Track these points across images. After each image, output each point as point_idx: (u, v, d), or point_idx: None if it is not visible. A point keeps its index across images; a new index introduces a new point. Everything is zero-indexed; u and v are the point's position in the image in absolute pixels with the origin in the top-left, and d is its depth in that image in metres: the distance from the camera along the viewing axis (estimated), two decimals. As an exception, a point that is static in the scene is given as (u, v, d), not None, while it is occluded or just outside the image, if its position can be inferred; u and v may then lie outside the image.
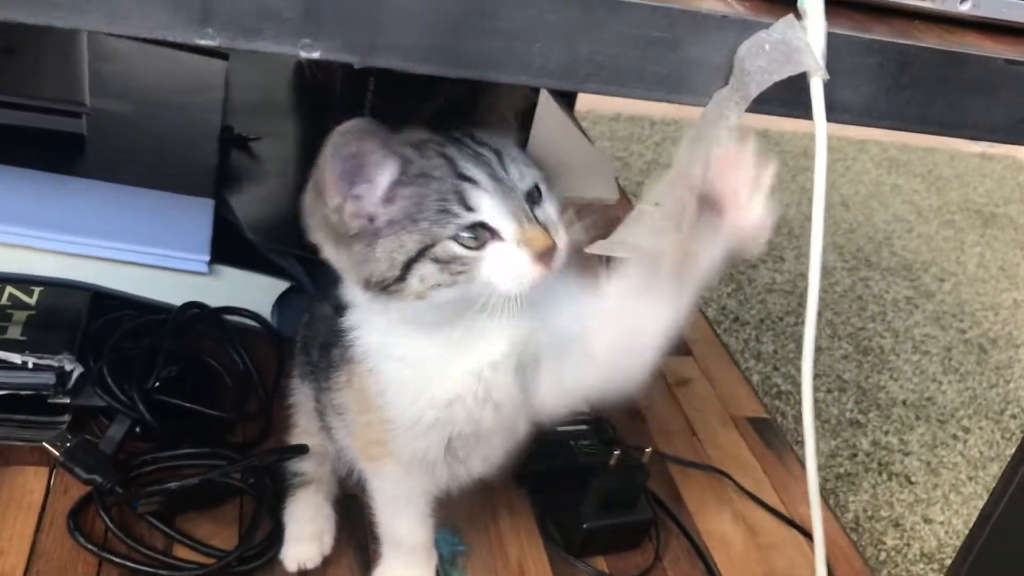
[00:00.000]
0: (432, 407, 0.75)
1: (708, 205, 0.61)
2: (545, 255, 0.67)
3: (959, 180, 2.69)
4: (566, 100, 1.97)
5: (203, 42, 0.50)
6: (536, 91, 1.27)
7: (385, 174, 0.67)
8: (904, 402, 1.71)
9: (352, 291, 0.75)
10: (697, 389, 1.26)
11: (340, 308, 0.79)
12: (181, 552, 0.88)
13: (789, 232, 2.21)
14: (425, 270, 0.67)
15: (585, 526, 0.95)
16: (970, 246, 2.33)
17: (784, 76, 0.54)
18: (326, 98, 1.36)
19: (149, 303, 1.04)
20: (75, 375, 0.94)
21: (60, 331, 0.96)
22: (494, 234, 0.67)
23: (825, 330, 1.86)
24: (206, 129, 1.23)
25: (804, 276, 2.04)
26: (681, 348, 1.33)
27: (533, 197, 0.70)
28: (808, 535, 1.06)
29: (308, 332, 0.94)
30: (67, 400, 0.94)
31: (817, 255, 0.61)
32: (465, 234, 0.66)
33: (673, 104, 0.58)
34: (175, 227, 1.05)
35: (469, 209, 0.66)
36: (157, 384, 0.97)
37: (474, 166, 0.68)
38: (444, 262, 0.66)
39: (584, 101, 2.47)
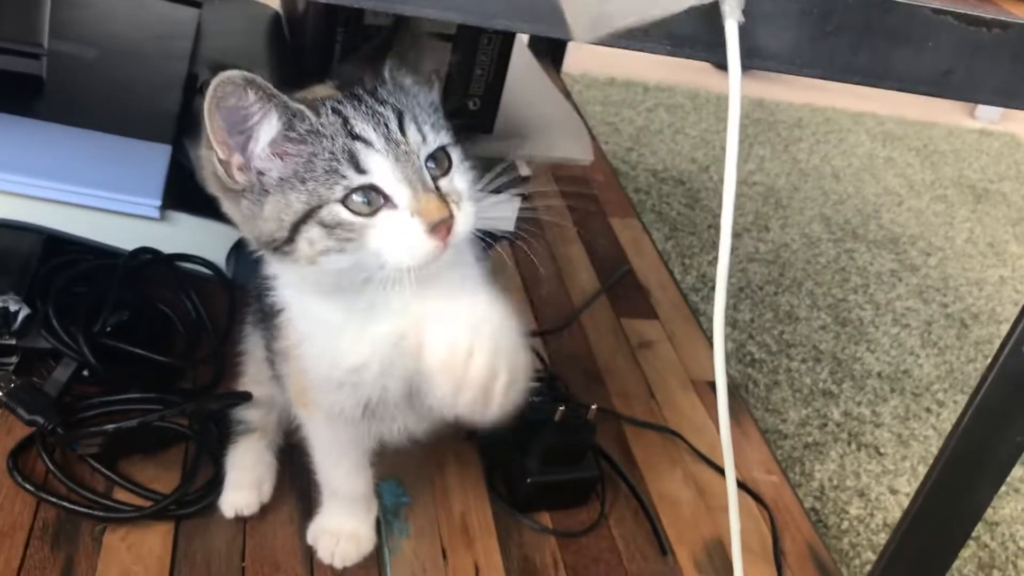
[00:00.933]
0: (337, 368, 0.73)
1: None
2: (440, 227, 0.64)
3: (955, 155, 2.66)
4: (552, 59, 1.95)
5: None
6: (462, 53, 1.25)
7: (268, 128, 0.63)
8: (879, 374, 1.70)
9: (280, 272, 0.74)
10: (659, 351, 1.25)
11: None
12: (122, 495, 0.88)
13: (776, 202, 2.19)
14: (312, 233, 0.64)
15: (529, 480, 0.95)
16: (960, 221, 2.31)
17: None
18: (298, 49, 1.35)
19: (102, 247, 1.04)
20: (21, 316, 0.94)
21: (8, 272, 0.96)
22: (387, 200, 0.64)
23: (805, 300, 1.85)
24: (171, 76, 1.22)
25: (787, 246, 2.04)
26: (647, 311, 1.33)
27: (441, 163, 0.67)
28: (759, 500, 1.06)
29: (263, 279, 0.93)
30: (13, 341, 0.94)
31: (730, 205, 0.59)
32: (357, 197, 0.63)
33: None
34: (129, 172, 1.04)
35: (360, 171, 0.63)
36: (108, 329, 0.97)
37: (369, 125, 0.64)
38: (331, 226, 0.64)
39: (577, 64, 2.45)
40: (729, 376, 1.28)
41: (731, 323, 1.73)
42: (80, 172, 1.02)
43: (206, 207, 1.06)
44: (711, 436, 1.13)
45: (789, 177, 2.32)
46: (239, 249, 1.09)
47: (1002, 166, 2.66)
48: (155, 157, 1.07)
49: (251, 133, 0.64)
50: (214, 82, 0.60)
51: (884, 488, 1.45)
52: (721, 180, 2.22)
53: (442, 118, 0.69)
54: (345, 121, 0.64)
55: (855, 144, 2.59)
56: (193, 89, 1.24)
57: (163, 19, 1.35)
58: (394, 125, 0.65)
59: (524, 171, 1.40)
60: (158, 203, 1.02)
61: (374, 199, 0.64)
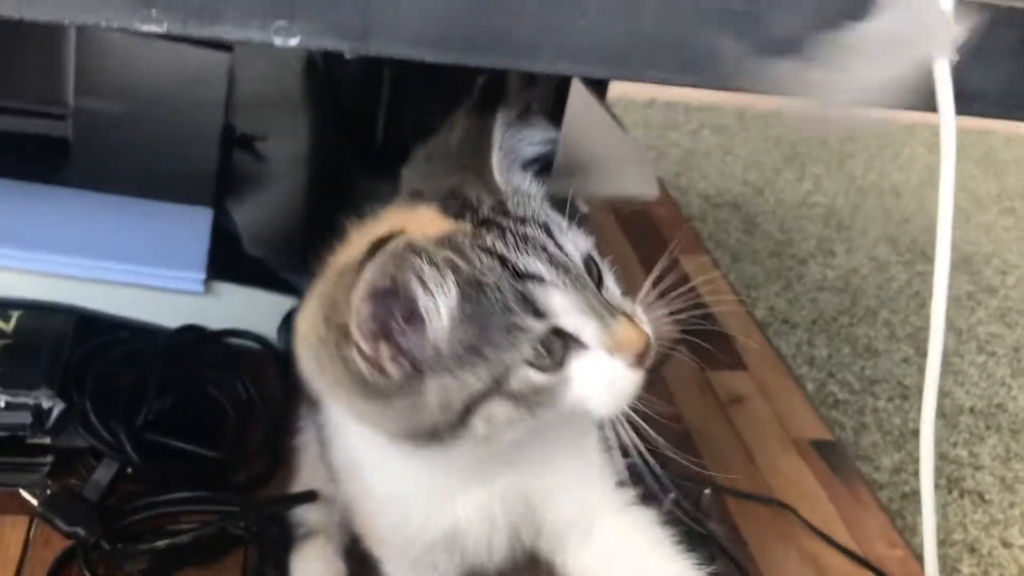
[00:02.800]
0: (430, 532, 0.61)
1: None
2: (642, 355, 0.52)
3: (1017, 164, 2.54)
4: (598, 88, 1.85)
5: (147, 27, 0.38)
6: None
7: (444, 302, 0.49)
8: (972, 409, 1.58)
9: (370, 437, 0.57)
10: (752, 408, 1.13)
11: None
12: (176, 614, 0.78)
13: (838, 224, 2.08)
14: (495, 409, 0.51)
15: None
16: (1033, 235, 2.19)
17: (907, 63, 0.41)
18: (338, 91, 1.25)
19: (140, 326, 0.94)
20: (55, 413, 0.84)
21: (38, 362, 0.86)
22: (570, 341, 0.51)
23: (882, 331, 1.73)
24: (205, 129, 1.12)
25: (856, 271, 1.91)
26: (734, 360, 1.21)
27: (591, 271, 0.54)
28: (885, 577, 0.94)
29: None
30: (47, 440, 0.84)
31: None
32: (539, 351, 0.50)
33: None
34: (168, 241, 0.95)
35: (539, 315, 0.50)
36: (148, 420, 0.87)
37: (531, 256, 0.51)
38: (521, 396, 0.51)
39: (615, 86, 2.34)
40: (830, 432, 1.16)
41: (807, 360, 1.61)
42: (114, 245, 0.92)
43: (252, 275, 0.99)
44: (823, 505, 1.01)
45: (848, 196, 2.21)
46: (291, 319, 0.99)
47: (1067, 173, 2.54)
48: (196, 222, 0.97)
49: (417, 316, 0.50)
50: (371, 266, 0.46)
51: (996, 541, 1.33)
52: (779, 202, 2.11)
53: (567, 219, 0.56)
54: (503, 260, 0.51)
55: (911, 157, 2.47)
56: (230, 142, 1.14)
57: (192, 65, 1.25)
58: (552, 246, 0.52)
59: (583, 208, 1.30)
60: (202, 276, 0.93)
61: (556, 348, 0.51)
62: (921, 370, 1.68)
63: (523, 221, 0.52)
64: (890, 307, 1.81)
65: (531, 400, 0.50)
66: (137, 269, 0.91)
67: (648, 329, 0.53)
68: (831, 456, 1.08)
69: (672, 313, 0.55)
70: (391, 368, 0.50)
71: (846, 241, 2.01)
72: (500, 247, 0.51)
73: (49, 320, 0.90)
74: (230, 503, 0.84)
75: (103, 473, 0.84)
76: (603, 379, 0.51)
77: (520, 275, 0.50)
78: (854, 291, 1.84)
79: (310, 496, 0.81)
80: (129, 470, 0.85)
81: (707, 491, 0.84)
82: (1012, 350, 1.75)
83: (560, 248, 0.52)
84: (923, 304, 1.84)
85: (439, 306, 0.49)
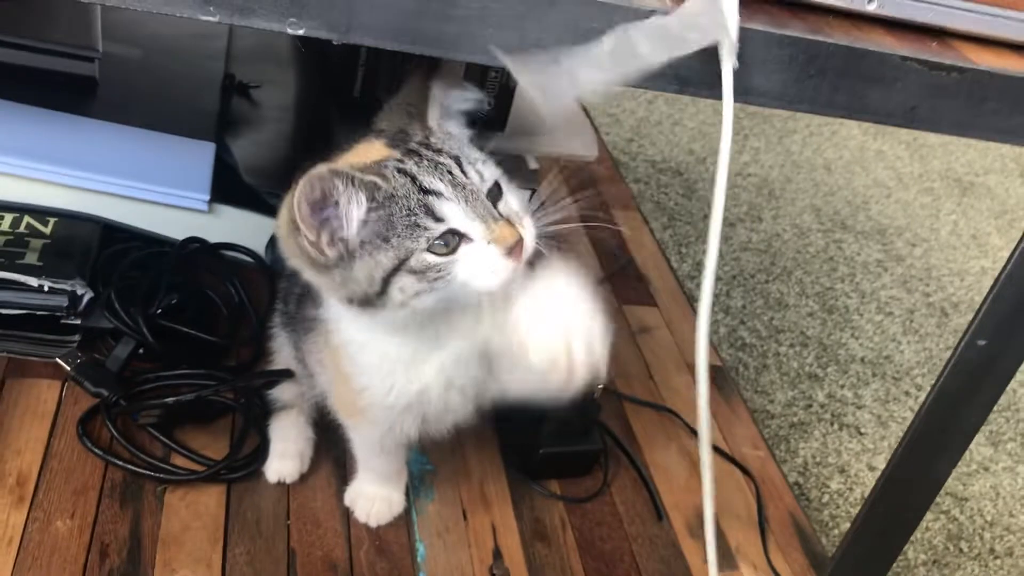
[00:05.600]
0: (404, 395, 0.83)
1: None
2: (515, 248, 0.72)
3: (943, 149, 2.77)
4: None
5: (205, 18, 0.59)
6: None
7: (356, 208, 0.71)
8: (862, 359, 1.81)
9: (334, 305, 0.81)
10: (657, 337, 1.36)
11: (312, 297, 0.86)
12: (177, 460, 0.99)
13: (769, 193, 2.30)
14: (404, 282, 0.72)
15: (541, 452, 1.06)
16: (946, 214, 2.42)
17: (690, 50, 0.62)
18: (324, 49, 1.44)
19: (154, 236, 1.14)
20: (86, 299, 1.04)
21: (73, 259, 1.06)
22: (463, 237, 0.72)
23: (794, 288, 1.96)
24: (209, 75, 1.32)
25: (779, 236, 2.14)
26: (646, 298, 1.43)
27: (494, 193, 0.75)
28: (747, 472, 1.17)
29: (288, 283, 1.02)
30: (78, 321, 1.04)
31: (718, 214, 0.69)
32: (438, 242, 0.71)
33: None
34: (179, 167, 1.14)
35: (438, 220, 0.71)
36: (160, 311, 1.07)
37: (435, 178, 0.72)
38: (420, 272, 0.71)
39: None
40: (720, 359, 1.39)
41: (723, 309, 1.83)
42: (135, 168, 1.12)
43: (247, 200, 1.19)
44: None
45: (782, 169, 2.43)
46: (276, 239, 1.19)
47: (988, 159, 2.77)
48: (201, 153, 1.17)
49: (340, 215, 0.70)
50: (302, 182, 0.68)
51: (863, 465, 1.57)
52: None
53: (482, 152, 0.77)
54: (413, 179, 0.72)
55: (847, 137, 2.69)
56: (230, 88, 1.34)
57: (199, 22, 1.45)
58: (456, 171, 0.73)
59: (533, 165, 1.51)
60: (207, 197, 1.13)
61: (451, 240, 0.71)
62: (824, 323, 1.92)
63: (439, 152, 0.74)
64: (804, 268, 2.04)
65: (430, 276, 0.72)
66: (153, 188, 1.11)
67: (524, 232, 0.73)
68: (719, 379, 1.31)
69: (553, 222, 0.76)
70: (329, 251, 0.72)
71: (774, 209, 2.24)
72: (414, 169, 0.72)
73: (80, 227, 1.10)
74: (224, 380, 1.05)
75: (122, 349, 1.04)
76: (483, 263, 0.72)
77: (425, 190, 0.72)
78: (774, 253, 2.07)
79: (287, 374, 1.03)
80: (142, 351, 1.06)
81: (600, 386, 1.06)
82: (907, 312, 1.99)
83: (464, 174, 0.73)
84: (835, 267, 2.07)
85: (352, 212, 0.71)
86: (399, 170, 0.72)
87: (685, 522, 1.08)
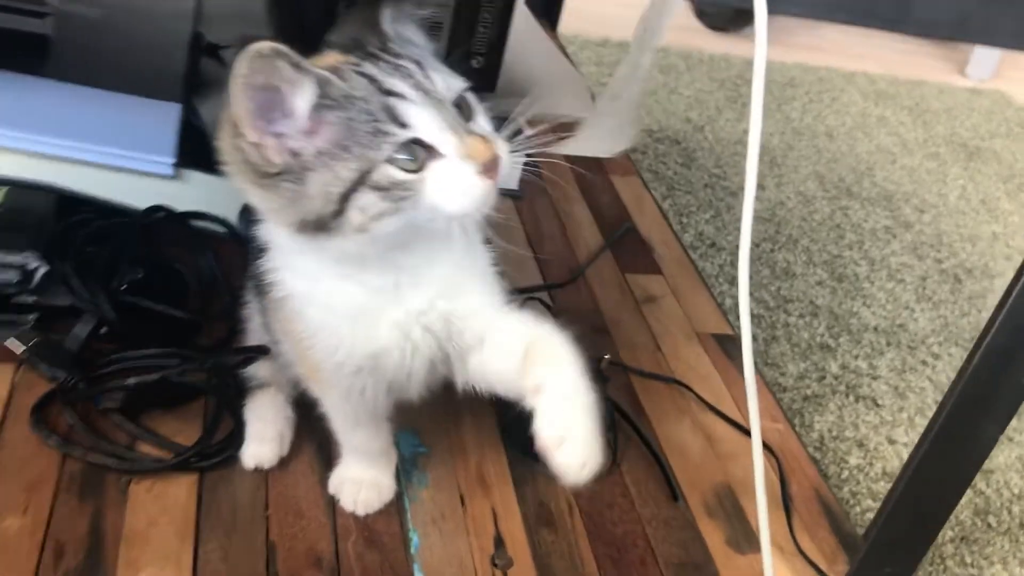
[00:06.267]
0: (357, 356, 0.74)
1: None
2: (490, 166, 0.63)
3: (947, 114, 2.68)
4: (548, 19, 1.96)
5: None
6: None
7: (303, 99, 0.61)
8: (876, 328, 1.73)
9: (277, 234, 0.71)
10: (664, 306, 1.27)
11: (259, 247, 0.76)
12: (144, 448, 0.90)
13: (771, 161, 2.21)
14: (365, 199, 0.62)
15: (544, 430, 0.96)
16: (952, 179, 2.33)
17: None
18: (297, 8, 1.35)
19: (115, 206, 1.04)
20: (40, 273, 0.95)
21: (25, 231, 0.97)
22: (432, 152, 0.63)
23: (801, 257, 1.87)
24: (176, 34, 1.22)
25: (783, 204, 2.05)
26: (651, 266, 1.34)
27: (464, 108, 0.66)
28: (767, 447, 1.08)
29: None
30: (32, 299, 0.95)
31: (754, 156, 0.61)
32: (402, 156, 0.62)
33: None
34: (141, 130, 1.05)
35: (402, 125, 0.62)
36: (123, 286, 0.98)
37: (397, 79, 0.63)
38: (384, 188, 0.62)
39: (571, 25, 2.44)
40: (731, 328, 1.30)
41: (728, 280, 1.75)
42: (93, 130, 1.02)
43: (217, 165, 1.09)
44: (716, 385, 1.15)
45: (783, 136, 2.34)
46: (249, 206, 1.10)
47: (993, 124, 2.68)
48: (166, 115, 1.07)
49: (284, 110, 0.61)
50: (242, 58, 0.58)
51: (882, 438, 1.48)
52: (716, 140, 2.23)
53: (447, 66, 0.68)
54: (372, 79, 0.63)
55: (848, 103, 2.60)
56: (198, 48, 1.24)
57: (164, -22, 1.35)
58: (419, 75, 0.65)
59: (527, 129, 1.42)
60: (172, 160, 1.03)
61: (419, 153, 0.63)
62: (834, 292, 1.83)
63: (399, 56, 0.65)
64: (811, 236, 1.95)
65: (394, 194, 0.62)
66: (113, 151, 1.01)
67: (500, 150, 0.64)
68: (729, 347, 1.22)
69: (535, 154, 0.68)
70: (275, 156, 0.62)
71: (777, 177, 2.15)
72: (372, 71, 0.64)
73: (33, 196, 1.00)
74: (193, 360, 0.95)
75: (81, 328, 0.95)
76: (455, 182, 0.63)
77: (386, 92, 0.63)
78: (779, 221, 1.98)
79: (263, 350, 0.93)
80: (104, 330, 0.97)
81: (606, 356, 0.98)
82: (919, 279, 1.90)
83: (428, 79, 0.64)
84: (842, 235, 1.98)
85: (295, 105, 0.61)
86: (357, 72, 0.64)
87: (702, 501, 0.99)
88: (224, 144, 0.64)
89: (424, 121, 0.63)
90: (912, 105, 2.67)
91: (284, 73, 0.60)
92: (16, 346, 0.93)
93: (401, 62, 0.65)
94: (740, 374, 1.19)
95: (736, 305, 1.65)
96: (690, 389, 1.12)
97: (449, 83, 0.66)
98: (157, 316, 0.99)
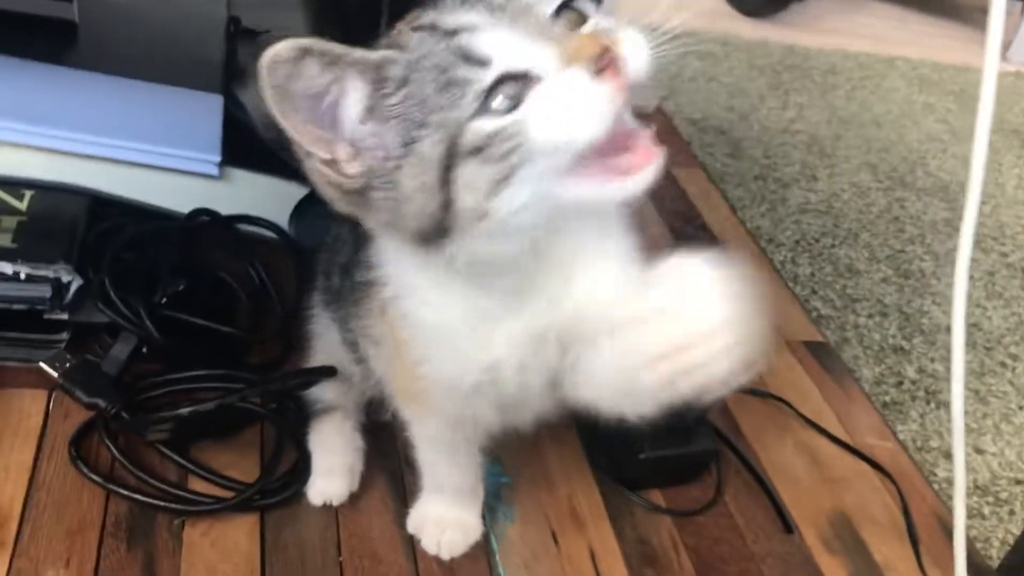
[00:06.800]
0: (470, 370, 0.62)
1: None
2: (606, 64, 0.48)
3: (995, 99, 2.57)
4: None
5: None
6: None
7: (353, 94, 0.51)
8: (948, 328, 1.62)
9: (400, 256, 0.60)
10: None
11: (362, 235, 0.64)
12: (196, 484, 0.79)
13: (820, 151, 2.10)
14: (467, 173, 0.50)
15: (641, 456, 0.86)
16: (1008, 167, 2.23)
17: None
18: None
19: (154, 210, 0.94)
20: (73, 288, 0.84)
21: (55, 239, 0.86)
22: (527, 79, 0.49)
23: (863, 252, 1.76)
24: (211, 20, 1.11)
25: (838, 196, 1.94)
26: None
27: (571, 18, 0.52)
28: (878, 467, 0.98)
29: (329, 254, 0.82)
30: (65, 316, 0.85)
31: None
32: (494, 103, 0.49)
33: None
34: (181, 124, 0.94)
35: (481, 63, 0.49)
36: (165, 299, 0.87)
37: (464, 11, 0.51)
38: (482, 148, 0.49)
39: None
40: (822, 335, 1.20)
41: (791, 277, 1.64)
42: (127, 125, 0.92)
43: (266, 163, 0.98)
44: (815, 399, 1.05)
45: (830, 125, 2.23)
46: (302, 208, 0.99)
47: (1042, 109, 2.58)
48: (208, 108, 0.97)
49: (336, 114, 0.52)
50: (264, 68, 0.48)
51: (969, 448, 1.38)
52: (763, 128, 2.13)
53: None
54: (433, 27, 0.51)
55: (891, 89, 2.49)
56: (235, 34, 1.13)
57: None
58: None
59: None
60: (217, 159, 0.92)
61: (510, 88, 0.49)
62: (901, 290, 1.72)
63: None
64: (870, 230, 1.84)
65: (495, 151, 0.49)
66: (151, 149, 0.90)
67: (618, 43, 0.50)
68: (823, 356, 1.12)
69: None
70: (350, 168, 0.52)
71: (828, 167, 2.04)
72: (432, 17, 0.52)
73: (63, 200, 0.90)
74: (248, 380, 0.85)
75: (121, 348, 0.85)
76: (568, 100, 0.49)
77: (452, 32, 0.50)
78: (836, 214, 1.87)
79: (329, 371, 0.83)
80: (145, 349, 0.86)
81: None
82: (987, 274, 1.80)
83: None
84: (902, 228, 1.88)
85: (346, 105, 0.51)
86: (415, 28, 0.52)
87: (818, 533, 0.89)
88: (307, 171, 0.54)
89: (505, 45, 0.50)
90: (957, 91, 2.56)
91: (318, 73, 0.50)
92: (49, 370, 0.83)
93: None
94: (839, 385, 1.09)
95: (805, 307, 1.55)
96: (790, 405, 1.01)
97: None
98: (203, 332, 0.88)
